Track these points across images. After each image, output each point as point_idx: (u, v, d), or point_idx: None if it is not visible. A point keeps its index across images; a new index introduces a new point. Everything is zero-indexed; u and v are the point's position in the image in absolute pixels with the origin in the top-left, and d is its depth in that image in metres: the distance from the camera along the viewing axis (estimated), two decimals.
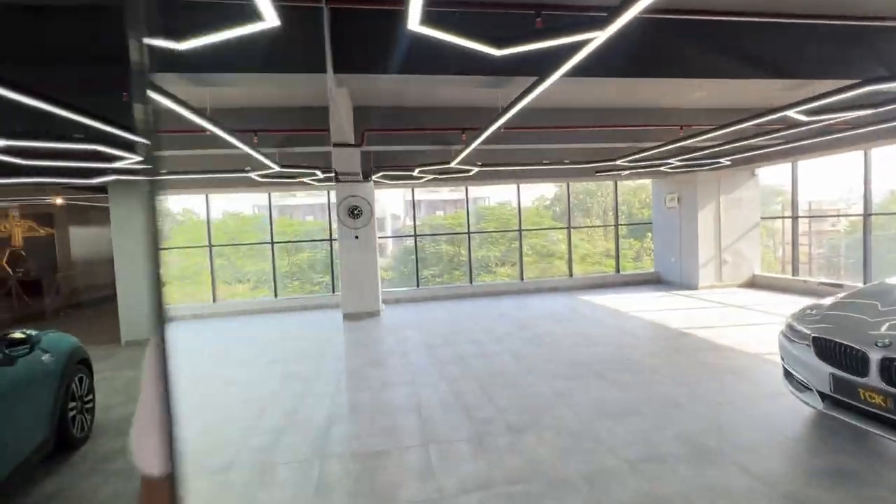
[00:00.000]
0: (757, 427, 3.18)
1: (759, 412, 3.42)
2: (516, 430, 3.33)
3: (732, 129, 4.83)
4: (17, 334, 2.94)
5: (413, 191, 9.59)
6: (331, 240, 9.57)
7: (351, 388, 4.38)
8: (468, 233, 10.05)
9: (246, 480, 2.84)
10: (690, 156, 6.86)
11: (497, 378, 4.47)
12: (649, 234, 16.22)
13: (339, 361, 5.31)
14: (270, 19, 1.91)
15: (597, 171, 8.71)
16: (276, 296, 9.33)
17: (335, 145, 4.74)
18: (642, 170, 8.16)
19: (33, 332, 3.06)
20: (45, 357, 3.12)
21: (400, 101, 5.62)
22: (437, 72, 3.28)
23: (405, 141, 5.98)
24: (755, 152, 6.89)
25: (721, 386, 4.00)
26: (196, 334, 7.30)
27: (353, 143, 4.87)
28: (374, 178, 7.77)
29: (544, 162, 7.33)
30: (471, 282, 10.00)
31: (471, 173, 7.52)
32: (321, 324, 7.56)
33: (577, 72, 2.95)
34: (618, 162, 7.23)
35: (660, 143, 6.08)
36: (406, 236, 12.09)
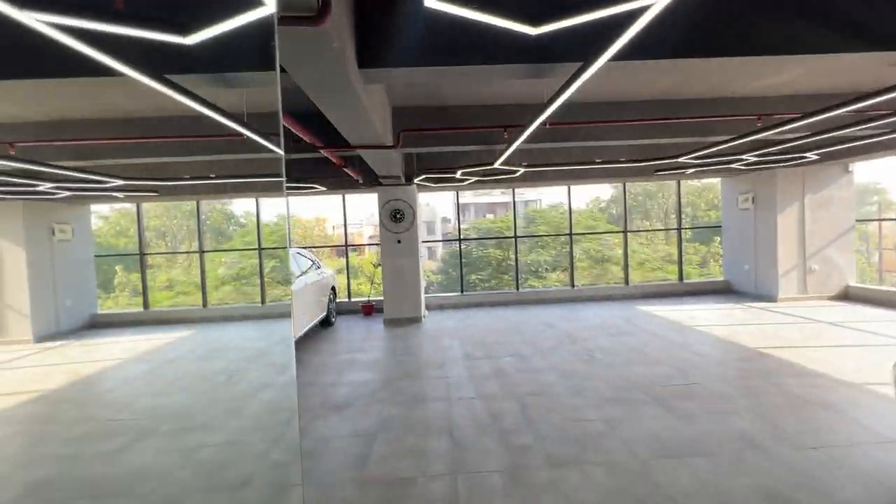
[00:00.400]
0: (863, 483, 2.56)
1: (865, 462, 2.77)
2: (557, 463, 2.93)
3: (824, 116, 4.08)
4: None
5: (457, 194, 9.32)
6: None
7: (382, 402, 4.16)
8: (514, 237, 9.61)
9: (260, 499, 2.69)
10: (769, 150, 6.02)
11: (540, 398, 4.06)
12: (717, 239, 14.84)
13: (372, 371, 5.14)
14: (270, 4, 1.71)
15: (656, 171, 7.97)
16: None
17: (359, 147, 4.56)
18: (710, 167, 7.33)
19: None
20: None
21: (439, 101, 5.36)
22: (470, 62, 2.98)
23: (445, 141, 5.70)
24: (851, 144, 5.91)
25: (812, 424, 3.33)
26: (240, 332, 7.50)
27: (388, 144, 4.67)
28: (416, 180, 7.60)
29: (597, 161, 6.77)
30: (517, 288, 9.55)
31: (516, 174, 7.13)
32: (365, 328, 7.48)
33: (630, 52, 2.52)
34: (681, 159, 6.51)
35: (731, 137, 5.35)
36: (450, 240, 11.85)
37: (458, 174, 6.93)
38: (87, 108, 4.86)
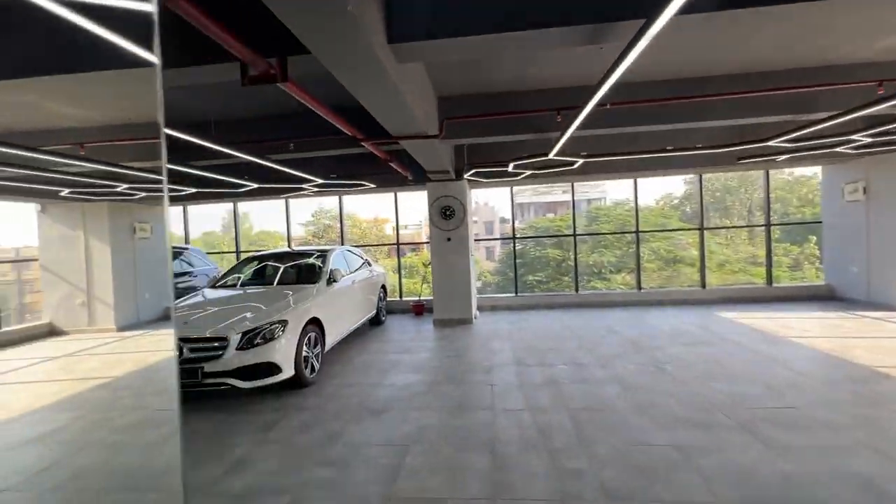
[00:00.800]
0: None
1: None
2: (617, 496, 2.46)
3: None
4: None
5: (511, 189, 8.87)
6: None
7: (422, 407, 3.89)
8: (573, 235, 8.96)
9: None
10: (888, 127, 4.96)
11: (597, 415, 3.56)
12: (813, 238, 12.98)
13: (416, 373, 4.89)
14: None
15: (739, 158, 6.99)
16: None
17: (400, 137, 4.31)
18: (808, 151, 6.26)
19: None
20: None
21: (486, 86, 4.99)
22: (515, 27, 2.60)
23: (493, 130, 5.32)
24: None
25: None
26: None
27: (432, 134, 4.39)
28: (466, 175, 7.28)
29: (668, 148, 6.03)
30: (576, 290, 8.89)
31: (574, 166, 6.58)
32: (414, 328, 7.29)
33: (701, 4, 2.03)
34: (772, 143, 5.59)
35: (838, 112, 4.44)
36: (505, 239, 11.40)
37: (511, 167, 6.52)
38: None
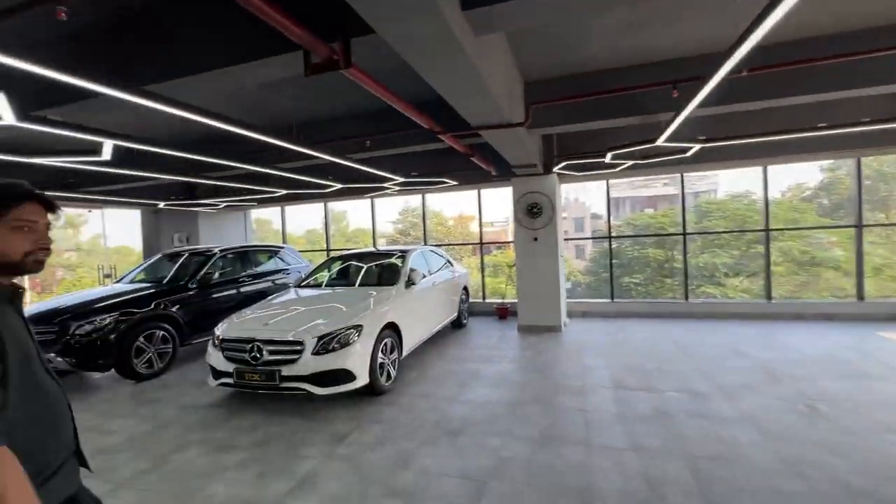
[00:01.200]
0: None
1: None
2: None
3: None
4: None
5: (607, 183, 7.94)
6: None
7: (503, 433, 3.43)
8: (683, 233, 7.75)
9: None
10: None
11: (727, 469, 2.79)
12: None
13: (497, 388, 4.43)
14: None
15: None
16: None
17: (481, 128, 3.83)
18: None
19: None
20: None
21: (579, 65, 4.32)
22: None
23: (588, 113, 4.62)
24: None
25: None
26: None
27: (517, 122, 3.87)
28: (556, 169, 6.61)
29: (819, 126, 4.76)
30: (686, 297, 7.69)
31: (688, 153, 5.56)
32: (497, 334, 6.84)
33: None
34: None
35: None
36: (600, 238, 10.40)
37: (608, 158, 5.72)
38: None
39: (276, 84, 4.33)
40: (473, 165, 6.54)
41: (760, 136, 4.90)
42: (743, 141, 5.07)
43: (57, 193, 6.73)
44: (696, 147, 5.21)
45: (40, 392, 1.14)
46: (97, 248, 19.17)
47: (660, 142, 4.75)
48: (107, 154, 3.63)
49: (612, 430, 3.38)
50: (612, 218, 8.25)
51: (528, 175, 6.80)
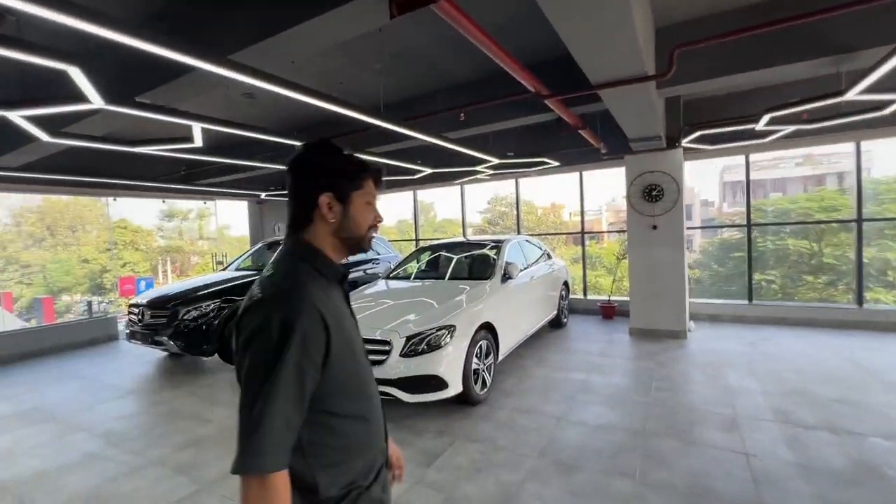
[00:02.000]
0: None
1: None
2: None
3: None
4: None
5: (747, 158, 6.45)
6: None
7: (629, 475, 2.66)
8: (858, 219, 6.01)
9: None
10: None
11: None
12: None
13: (614, 409, 3.63)
14: None
15: None
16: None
17: (605, 85, 2.97)
18: None
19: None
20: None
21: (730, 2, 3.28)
22: None
23: (751, 57, 3.51)
24: None
25: None
26: None
27: (648, 75, 2.97)
28: (685, 141, 5.45)
29: None
30: (860, 303, 5.99)
31: (887, 110, 4.12)
32: (604, 337, 5.94)
33: None
34: None
35: None
36: (735, 226, 8.76)
37: (762, 123, 4.48)
38: None
39: (363, 59, 3.94)
40: (578, 142, 5.67)
41: None
42: None
43: (174, 186, 7.24)
44: None
45: (370, 386, 1.08)
46: (223, 237, 21.49)
47: (853, 93, 3.49)
48: (198, 141, 3.53)
49: (797, 492, 2.44)
50: (725, 204, 6.74)
51: (647, 150, 5.72)
